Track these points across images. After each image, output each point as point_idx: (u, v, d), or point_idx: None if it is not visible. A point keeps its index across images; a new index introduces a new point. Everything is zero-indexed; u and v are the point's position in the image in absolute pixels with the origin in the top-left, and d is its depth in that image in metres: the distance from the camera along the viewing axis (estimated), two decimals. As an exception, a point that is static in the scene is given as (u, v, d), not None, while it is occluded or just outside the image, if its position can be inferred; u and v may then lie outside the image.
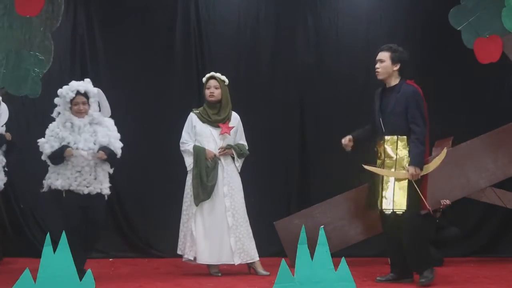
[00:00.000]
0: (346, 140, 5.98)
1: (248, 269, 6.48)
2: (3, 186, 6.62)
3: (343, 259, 3.48)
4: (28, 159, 7.52)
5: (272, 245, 7.29)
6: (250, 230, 6.46)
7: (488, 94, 7.89)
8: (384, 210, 5.77)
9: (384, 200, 5.75)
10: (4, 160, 6.58)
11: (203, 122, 6.51)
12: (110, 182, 6.11)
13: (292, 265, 3.49)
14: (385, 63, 5.88)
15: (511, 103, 7.69)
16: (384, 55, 5.90)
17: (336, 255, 3.81)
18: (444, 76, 7.79)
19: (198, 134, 6.49)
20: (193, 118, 6.54)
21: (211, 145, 6.47)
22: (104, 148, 5.95)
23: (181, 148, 6.54)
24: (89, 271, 3.42)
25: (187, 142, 6.50)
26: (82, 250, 5.98)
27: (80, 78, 7.27)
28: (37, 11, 6.02)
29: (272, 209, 7.54)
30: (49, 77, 6.65)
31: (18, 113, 7.51)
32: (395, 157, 5.73)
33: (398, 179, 5.70)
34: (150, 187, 7.79)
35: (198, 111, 6.56)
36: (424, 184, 5.79)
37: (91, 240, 6.11)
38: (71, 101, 5.94)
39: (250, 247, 6.40)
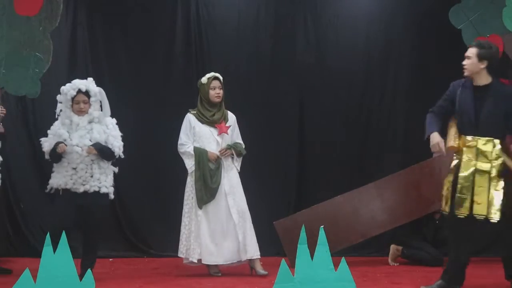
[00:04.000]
0: (442, 146, 5.57)
1: (250, 269, 6.44)
2: None
3: (343, 259, 3.47)
4: (28, 159, 7.53)
5: (272, 245, 7.28)
6: (252, 226, 6.44)
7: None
8: (475, 216, 5.46)
9: (475, 205, 5.46)
10: (1, 158, 6.49)
11: (202, 123, 6.45)
12: (111, 181, 6.12)
13: (292, 265, 3.48)
14: (471, 60, 5.52)
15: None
16: (471, 51, 5.55)
17: (336, 255, 3.80)
18: (443, 76, 7.76)
19: (198, 135, 6.43)
20: (191, 119, 6.46)
21: (212, 145, 6.42)
22: (96, 144, 5.90)
23: (180, 150, 6.46)
24: (89, 271, 3.41)
25: (186, 144, 6.43)
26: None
27: (80, 78, 7.29)
28: (36, 10, 6.01)
29: (272, 209, 7.53)
30: (48, 77, 6.64)
31: (18, 113, 7.51)
32: (491, 159, 5.50)
33: (494, 184, 5.47)
34: (150, 187, 7.78)
35: (195, 112, 6.51)
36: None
37: (89, 241, 6.00)
38: (72, 99, 5.94)
39: (253, 243, 6.36)
